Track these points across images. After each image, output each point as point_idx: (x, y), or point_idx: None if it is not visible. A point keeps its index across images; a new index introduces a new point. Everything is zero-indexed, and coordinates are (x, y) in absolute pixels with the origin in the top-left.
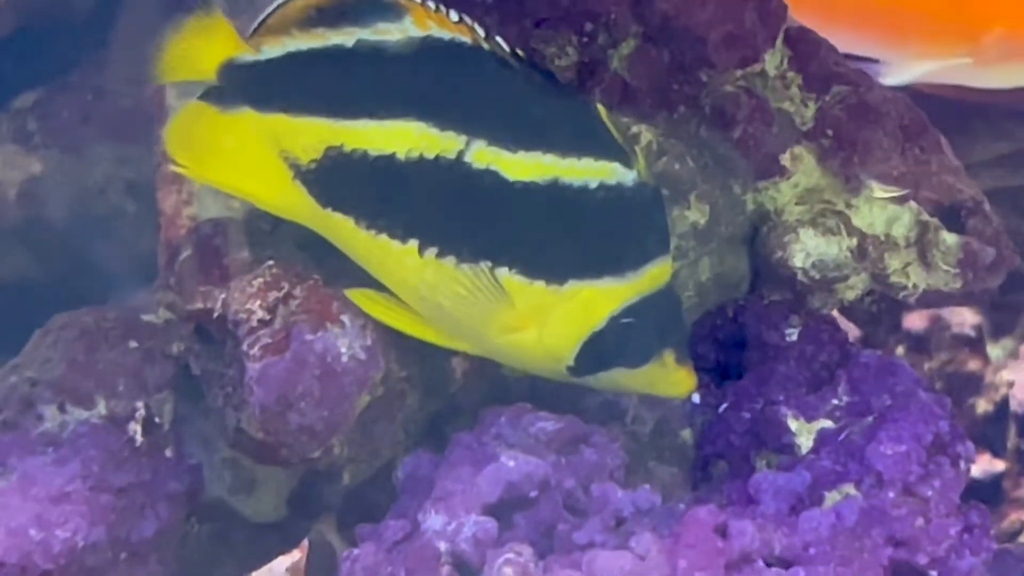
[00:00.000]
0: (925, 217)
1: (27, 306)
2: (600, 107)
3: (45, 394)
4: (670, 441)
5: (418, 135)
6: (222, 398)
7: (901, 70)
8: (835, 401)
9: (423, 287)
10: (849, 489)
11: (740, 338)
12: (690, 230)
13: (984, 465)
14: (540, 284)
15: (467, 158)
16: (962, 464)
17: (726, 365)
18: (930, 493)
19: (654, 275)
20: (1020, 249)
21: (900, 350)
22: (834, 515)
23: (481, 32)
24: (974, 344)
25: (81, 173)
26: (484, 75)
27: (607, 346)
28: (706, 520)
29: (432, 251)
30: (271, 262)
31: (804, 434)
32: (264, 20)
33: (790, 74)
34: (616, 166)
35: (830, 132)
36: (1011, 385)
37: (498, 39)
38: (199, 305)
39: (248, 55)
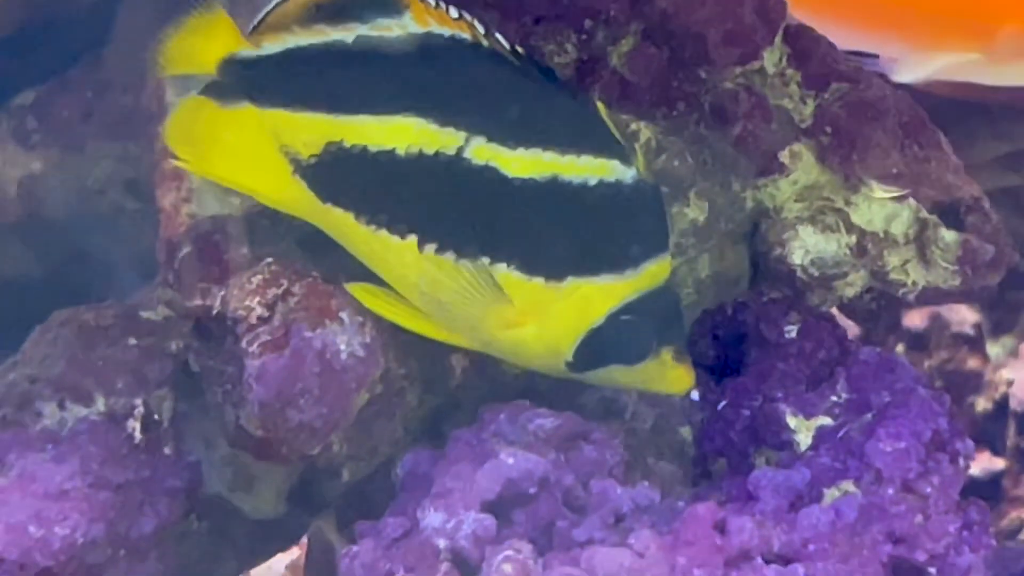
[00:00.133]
0: (924, 214)
1: (27, 304)
2: (599, 104)
3: (44, 391)
4: (669, 438)
5: (418, 131)
6: (221, 395)
7: (914, 66)
8: (834, 398)
9: (422, 282)
10: (848, 486)
11: (739, 335)
12: (689, 227)
13: (984, 463)
14: (539, 280)
15: (466, 154)
16: (961, 461)
17: (725, 362)
18: (929, 490)
19: (653, 272)
20: (1020, 248)
21: (900, 348)
22: (833, 512)
23: (481, 29)
24: (974, 342)
25: (81, 171)
26: (484, 72)
27: (605, 343)
28: (705, 517)
29: (431, 247)
30: (270, 259)
31: (803, 431)
32: (264, 17)
33: (789, 71)
34: (615, 163)
35: (829, 129)
36: (1011, 383)
37: (498, 36)
38: (198, 302)
39: (249, 51)
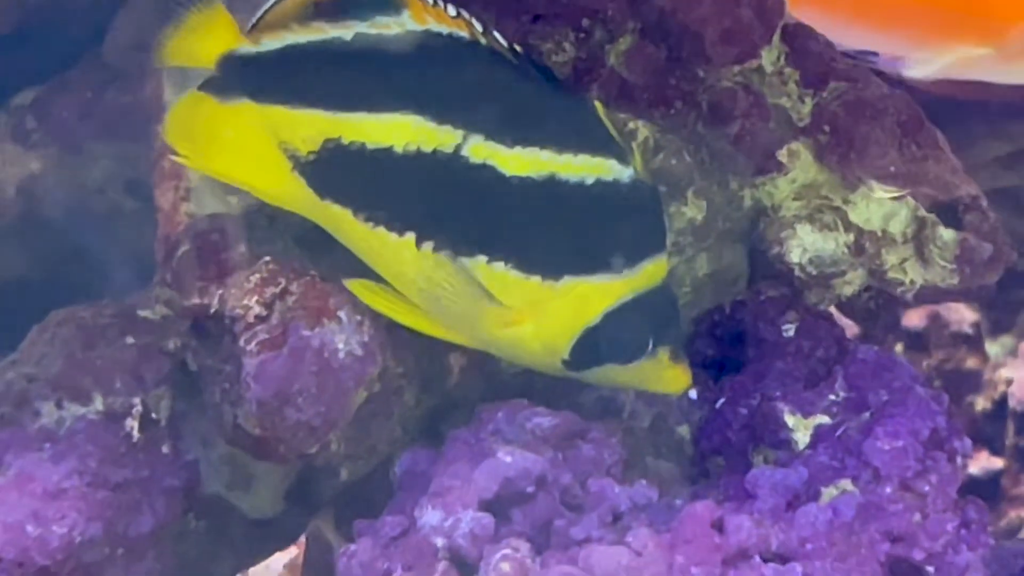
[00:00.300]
0: (922, 213)
1: (25, 304)
2: (597, 103)
3: (42, 390)
4: (667, 437)
5: (415, 129)
6: (219, 394)
7: (925, 60)
8: (832, 397)
9: (420, 279)
10: (846, 485)
11: (737, 333)
12: (687, 226)
13: (983, 463)
14: (536, 279)
15: (464, 152)
16: (959, 460)
17: (723, 360)
18: (927, 488)
19: (650, 272)
20: (1020, 249)
21: (899, 348)
22: (831, 511)
23: (479, 27)
24: (973, 342)
25: (80, 171)
26: (482, 70)
27: (601, 342)
28: (703, 515)
29: (429, 244)
30: (268, 258)
31: (801, 430)
32: (263, 14)
33: (787, 70)
34: (613, 163)
35: (827, 128)
36: (1010, 383)
37: (496, 34)
38: (196, 301)
39: (248, 47)
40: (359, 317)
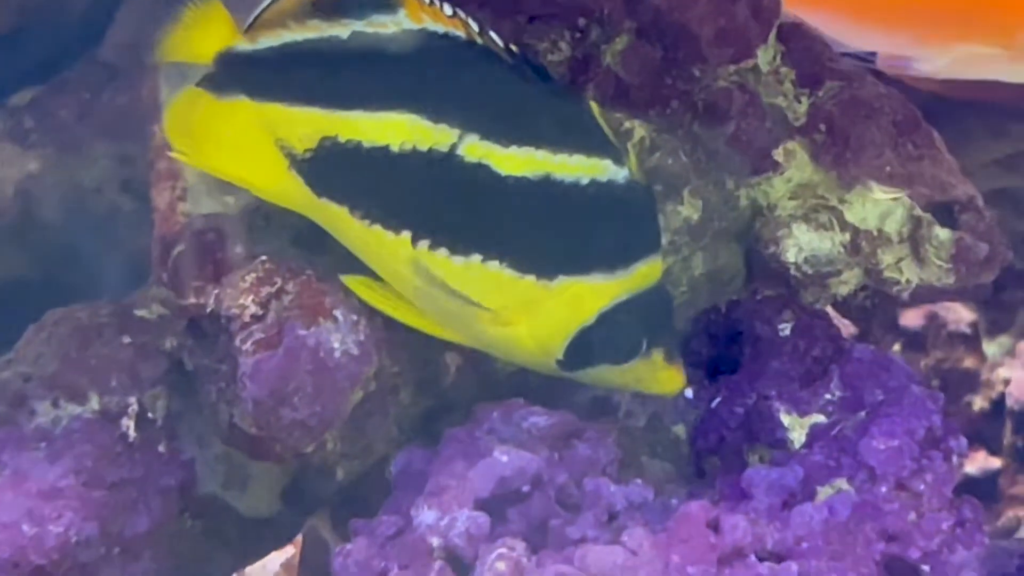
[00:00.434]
0: (918, 212)
1: (22, 303)
2: (593, 103)
3: (38, 389)
4: (663, 436)
5: (411, 128)
6: (215, 393)
7: (934, 56)
8: (828, 396)
9: (416, 278)
10: (842, 484)
11: (733, 333)
12: (683, 226)
13: (980, 462)
14: (531, 278)
15: (460, 152)
16: (954, 459)
17: (719, 360)
18: (922, 488)
19: (644, 273)
20: (1019, 248)
21: (897, 347)
22: (826, 510)
23: (475, 26)
24: (970, 341)
25: (78, 171)
26: (477, 69)
27: (595, 342)
28: (698, 515)
29: (425, 243)
30: (264, 257)
31: (797, 429)
32: (261, 12)
33: (783, 69)
34: (608, 163)
35: (823, 127)
36: (1007, 382)
37: (492, 34)
38: (192, 300)
39: (245, 45)
40: (355, 316)
